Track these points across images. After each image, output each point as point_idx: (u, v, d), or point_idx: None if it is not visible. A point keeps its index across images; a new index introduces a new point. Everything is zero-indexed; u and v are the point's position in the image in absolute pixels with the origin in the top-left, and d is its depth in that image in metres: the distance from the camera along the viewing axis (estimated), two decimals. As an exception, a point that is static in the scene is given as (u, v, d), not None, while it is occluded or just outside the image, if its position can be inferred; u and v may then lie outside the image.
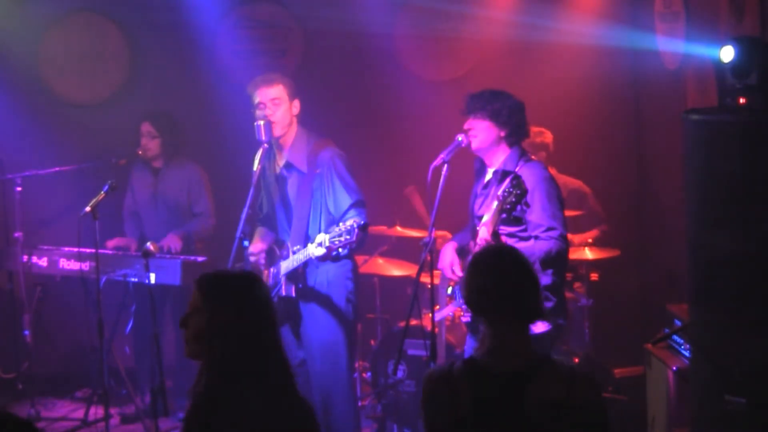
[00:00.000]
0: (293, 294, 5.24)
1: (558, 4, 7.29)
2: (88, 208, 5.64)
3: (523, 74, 7.10)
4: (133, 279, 6.27)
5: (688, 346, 4.89)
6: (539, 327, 4.73)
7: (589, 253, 6.42)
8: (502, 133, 4.85)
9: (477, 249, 4.60)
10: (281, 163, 5.38)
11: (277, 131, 5.28)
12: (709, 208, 4.03)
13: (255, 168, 5.25)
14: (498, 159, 4.88)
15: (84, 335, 6.63)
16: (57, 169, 6.77)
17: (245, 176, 5.34)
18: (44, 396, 6.89)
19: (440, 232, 6.17)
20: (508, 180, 4.50)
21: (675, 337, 5.21)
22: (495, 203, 4.50)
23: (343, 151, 5.36)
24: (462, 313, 4.90)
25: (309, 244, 5.01)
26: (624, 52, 7.18)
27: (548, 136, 6.73)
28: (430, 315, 4.99)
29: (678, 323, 5.20)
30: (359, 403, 6.05)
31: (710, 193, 4.01)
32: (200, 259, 6.41)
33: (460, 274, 4.85)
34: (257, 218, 5.59)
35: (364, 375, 6.60)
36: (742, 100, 4.04)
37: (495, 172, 4.87)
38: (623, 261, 6.64)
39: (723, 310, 3.98)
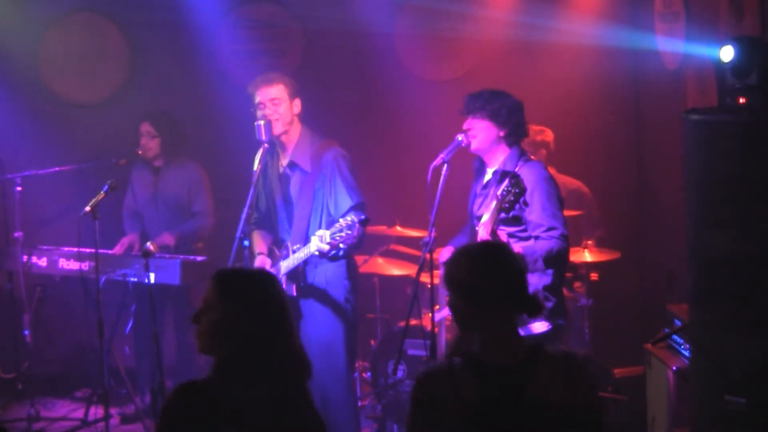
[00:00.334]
0: (294, 293, 5.24)
1: (558, 4, 7.29)
2: (88, 208, 5.64)
3: (523, 74, 7.10)
4: (132, 279, 6.27)
5: (688, 346, 4.89)
6: (539, 327, 4.74)
7: (588, 256, 6.41)
8: (501, 133, 4.85)
9: None
10: (284, 162, 5.38)
11: (277, 129, 5.28)
12: (709, 208, 4.03)
13: (255, 168, 5.25)
14: (497, 159, 4.88)
15: (84, 335, 6.63)
16: (57, 169, 6.77)
17: (245, 176, 5.34)
18: (44, 396, 6.88)
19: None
20: (507, 180, 4.50)
21: (675, 337, 5.21)
22: (494, 203, 4.50)
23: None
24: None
25: (312, 240, 5.01)
26: (624, 52, 7.18)
27: (549, 135, 6.73)
28: (430, 315, 4.99)
29: (678, 323, 5.20)
30: (359, 403, 6.05)
31: (710, 193, 4.01)
32: (200, 258, 6.41)
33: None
34: (253, 219, 5.58)
35: (364, 375, 6.60)
36: (742, 100, 4.04)
37: (494, 173, 4.87)
38: (623, 261, 6.64)
39: (723, 310, 3.98)
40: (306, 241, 5.12)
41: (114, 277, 6.29)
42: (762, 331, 3.88)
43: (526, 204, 4.49)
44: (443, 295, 5.65)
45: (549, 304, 4.76)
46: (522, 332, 4.67)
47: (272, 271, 5.33)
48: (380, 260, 6.77)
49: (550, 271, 4.73)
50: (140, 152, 6.66)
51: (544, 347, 3.09)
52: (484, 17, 7.42)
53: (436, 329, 5.23)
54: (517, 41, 7.32)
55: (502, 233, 4.59)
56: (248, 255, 5.33)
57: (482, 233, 4.52)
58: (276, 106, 5.27)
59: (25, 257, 6.63)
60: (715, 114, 4.14)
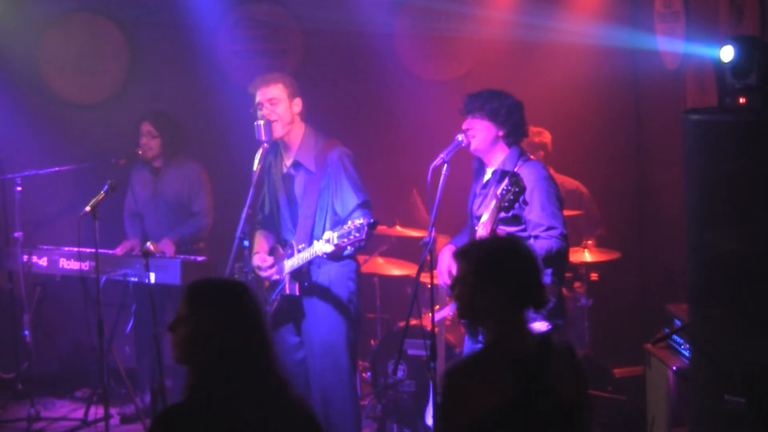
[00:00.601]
0: (297, 292, 5.23)
1: (558, 4, 7.29)
2: (88, 208, 5.64)
3: (523, 74, 7.10)
4: (133, 279, 6.28)
5: (688, 346, 4.89)
6: (539, 327, 4.72)
7: (588, 256, 6.41)
8: (501, 133, 4.85)
9: None
10: (288, 162, 5.38)
11: (277, 131, 5.27)
12: (709, 207, 4.03)
13: (255, 168, 5.24)
14: (497, 159, 4.88)
15: (84, 335, 6.63)
16: (57, 169, 6.77)
17: (245, 176, 5.34)
18: (44, 396, 6.89)
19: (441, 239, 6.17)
20: (506, 179, 4.49)
21: (675, 337, 5.21)
22: (493, 202, 4.50)
23: None
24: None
25: (316, 242, 5.00)
26: (624, 52, 7.18)
27: (546, 136, 6.73)
28: (430, 315, 4.99)
29: (678, 323, 5.20)
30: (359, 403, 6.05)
31: (710, 192, 4.01)
32: (200, 258, 6.41)
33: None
34: (256, 220, 5.59)
35: (364, 375, 6.60)
36: (742, 100, 4.04)
37: (494, 172, 4.86)
38: (623, 261, 6.64)
39: (723, 309, 3.98)
40: (311, 240, 5.11)
41: (114, 277, 6.29)
42: (762, 330, 3.88)
43: (525, 203, 4.49)
44: (443, 295, 5.65)
45: (548, 305, 4.75)
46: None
47: (270, 271, 5.33)
48: (380, 260, 6.78)
49: (549, 271, 4.72)
50: (140, 152, 6.66)
51: (551, 340, 3.17)
52: (484, 17, 7.43)
53: (436, 329, 5.23)
54: (517, 41, 7.32)
55: (502, 233, 4.59)
56: (248, 255, 5.33)
57: (481, 232, 4.52)
58: (274, 106, 5.27)
59: (25, 257, 6.63)
60: (714, 114, 4.14)
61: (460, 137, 4.85)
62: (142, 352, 6.63)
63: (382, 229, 6.64)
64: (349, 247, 4.88)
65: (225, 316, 3.06)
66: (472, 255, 3.19)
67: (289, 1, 7.56)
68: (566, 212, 5.02)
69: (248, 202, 5.17)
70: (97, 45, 7.46)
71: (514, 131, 4.87)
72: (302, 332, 5.33)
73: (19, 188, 6.63)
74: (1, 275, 7.02)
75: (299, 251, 5.16)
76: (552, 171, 5.24)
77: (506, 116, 4.82)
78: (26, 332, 6.74)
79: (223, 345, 3.03)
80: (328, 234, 4.91)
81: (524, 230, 4.75)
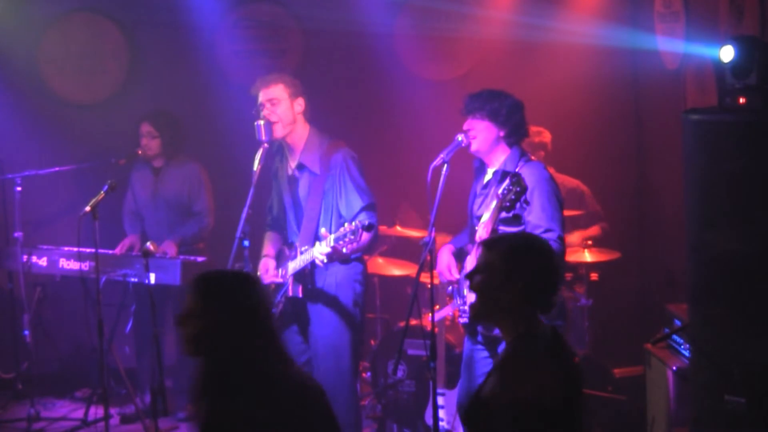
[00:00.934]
0: (300, 294, 5.23)
1: (558, 4, 7.29)
2: (88, 208, 5.64)
3: (523, 74, 7.10)
4: (133, 279, 6.28)
5: (688, 346, 4.89)
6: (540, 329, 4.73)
7: (588, 256, 6.42)
8: (501, 133, 4.84)
9: (473, 252, 4.61)
10: (293, 164, 5.38)
11: (278, 131, 5.27)
12: (709, 207, 4.03)
13: (255, 168, 5.24)
14: (498, 159, 4.87)
15: (84, 335, 6.63)
16: (57, 169, 6.77)
17: (245, 176, 5.34)
18: (44, 396, 6.89)
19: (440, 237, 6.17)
20: (508, 179, 4.49)
21: (675, 337, 5.21)
22: (494, 202, 4.49)
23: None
24: (460, 314, 4.89)
25: (316, 244, 5.01)
26: (624, 52, 7.18)
27: (546, 136, 6.73)
28: (430, 315, 4.99)
29: (678, 323, 5.20)
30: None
31: (710, 192, 4.01)
32: (200, 259, 6.41)
33: (457, 276, 4.85)
34: (266, 221, 5.59)
35: (364, 375, 6.60)
36: (742, 100, 4.04)
37: (495, 173, 4.86)
38: (623, 261, 6.64)
39: (723, 309, 3.98)
40: (314, 242, 5.11)
41: (114, 277, 6.29)
42: (762, 330, 3.88)
43: (527, 203, 4.48)
44: (443, 295, 5.65)
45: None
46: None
47: (273, 274, 5.33)
48: (380, 260, 6.78)
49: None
50: (140, 152, 6.67)
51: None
52: (484, 17, 7.43)
53: (436, 329, 5.23)
54: (517, 41, 7.32)
55: (502, 233, 4.58)
56: (248, 255, 5.33)
57: (482, 233, 4.51)
58: (274, 106, 5.27)
59: (25, 257, 6.63)
60: (714, 114, 4.14)
61: (460, 137, 4.85)
62: (142, 352, 6.63)
63: (382, 229, 6.64)
64: (344, 250, 4.88)
65: (235, 304, 3.11)
66: (497, 249, 3.21)
67: (289, 1, 7.57)
68: (567, 212, 5.02)
69: (248, 202, 5.17)
70: (97, 45, 7.47)
71: (515, 131, 4.86)
72: (307, 334, 5.32)
73: (19, 188, 6.63)
74: (1, 275, 7.02)
75: (302, 253, 5.16)
76: (552, 171, 5.25)
77: (507, 116, 4.82)
78: (26, 332, 6.74)
79: (238, 334, 3.07)
80: (323, 233, 4.92)
81: (524, 231, 4.74)
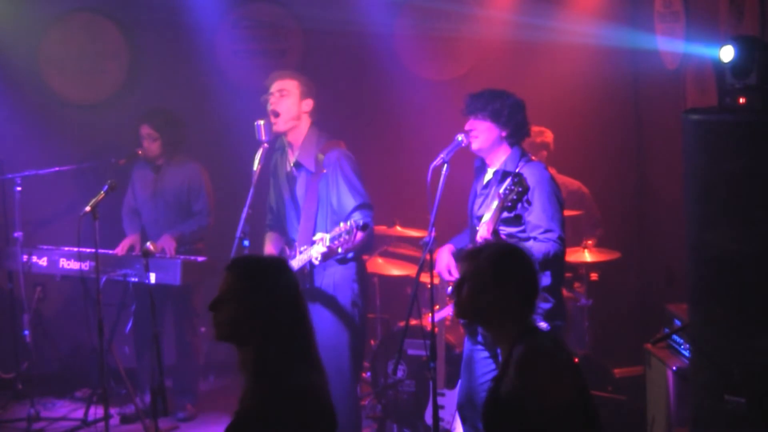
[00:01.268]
0: (298, 294, 5.23)
1: (558, 4, 7.29)
2: (88, 208, 5.64)
3: (523, 74, 7.10)
4: (133, 279, 6.27)
5: (688, 346, 4.89)
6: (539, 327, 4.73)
7: (588, 256, 6.41)
8: (503, 134, 4.84)
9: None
10: (291, 162, 5.39)
11: (280, 125, 5.28)
12: (708, 207, 4.03)
13: (255, 168, 5.25)
14: (499, 159, 4.87)
15: (84, 335, 6.63)
16: (57, 169, 6.77)
17: (245, 176, 5.34)
18: (44, 396, 6.88)
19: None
20: (509, 179, 4.48)
21: (675, 337, 5.21)
22: (496, 202, 4.49)
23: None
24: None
25: (313, 245, 5.01)
26: (624, 52, 7.18)
27: (549, 136, 6.73)
28: (430, 315, 4.99)
29: (678, 323, 5.19)
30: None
31: (710, 192, 4.01)
32: (200, 259, 6.41)
33: (457, 276, 4.84)
34: (266, 222, 5.59)
35: (364, 375, 6.60)
36: (742, 100, 4.04)
37: (495, 172, 4.86)
38: (623, 261, 6.64)
39: (723, 309, 3.98)
40: (312, 241, 5.11)
41: (114, 277, 6.29)
42: (762, 330, 3.87)
43: (529, 203, 4.47)
44: (443, 295, 5.65)
45: (548, 305, 4.75)
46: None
47: None
48: (380, 260, 6.78)
49: (548, 272, 4.72)
50: (140, 152, 6.67)
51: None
52: (484, 17, 7.43)
53: (436, 329, 5.23)
54: (517, 41, 7.32)
55: (502, 233, 4.58)
56: (248, 255, 5.33)
57: (483, 232, 4.50)
58: (282, 97, 5.29)
59: (25, 257, 6.62)
60: (714, 114, 4.13)
61: (460, 137, 4.85)
62: (142, 352, 6.62)
63: (382, 229, 6.64)
64: (340, 249, 4.88)
65: (276, 285, 3.17)
66: (484, 256, 3.26)
67: (289, 1, 7.56)
68: (568, 212, 5.02)
69: (248, 202, 5.17)
70: (97, 45, 7.46)
71: (516, 132, 4.86)
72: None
73: (19, 188, 6.62)
74: (1, 275, 7.02)
75: (301, 253, 5.16)
76: (553, 172, 5.25)
77: (509, 117, 4.81)
78: (26, 332, 6.74)
79: (278, 316, 3.12)
80: (320, 235, 4.92)
81: (524, 231, 4.74)
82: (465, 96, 4.91)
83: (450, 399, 5.61)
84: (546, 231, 4.66)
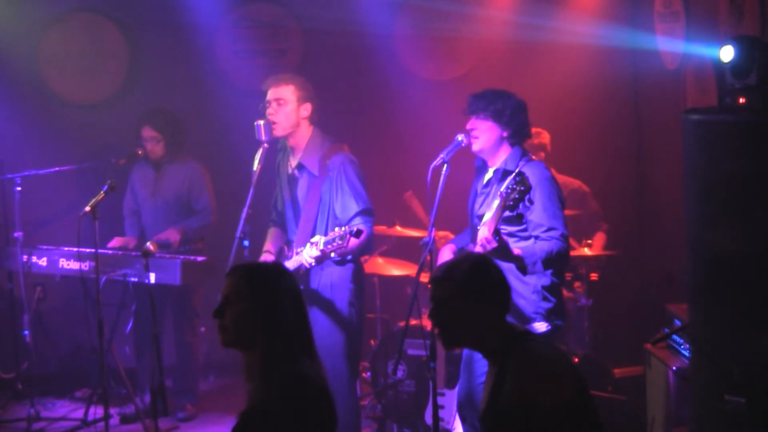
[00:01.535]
0: (295, 294, 5.23)
1: (558, 4, 7.30)
2: (87, 208, 5.63)
3: (523, 74, 7.10)
4: (133, 279, 6.27)
5: (688, 346, 4.89)
6: (539, 327, 4.74)
7: (588, 252, 6.42)
8: (505, 134, 4.84)
9: (477, 249, 4.60)
10: (294, 164, 5.38)
11: (278, 131, 5.28)
12: (708, 207, 4.03)
13: (255, 168, 5.25)
14: (499, 159, 4.87)
15: (84, 335, 6.63)
16: (57, 169, 6.76)
17: (245, 176, 5.34)
18: (44, 396, 6.89)
19: (442, 233, 6.17)
20: (511, 177, 4.48)
21: (675, 337, 5.21)
22: (497, 201, 4.48)
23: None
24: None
25: (306, 246, 5.01)
26: (624, 52, 7.18)
27: (545, 137, 6.74)
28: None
29: (678, 323, 5.19)
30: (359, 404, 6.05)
31: (710, 193, 4.01)
32: (200, 258, 6.41)
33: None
34: (271, 217, 5.59)
35: (364, 375, 6.60)
36: (741, 100, 4.04)
37: (496, 171, 4.86)
38: (623, 261, 6.64)
39: (723, 310, 3.98)
40: (309, 243, 5.11)
41: (114, 277, 6.28)
42: (762, 330, 3.87)
43: (531, 202, 4.46)
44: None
45: (548, 305, 4.75)
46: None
47: None
48: (380, 260, 6.78)
49: (548, 272, 4.72)
50: (140, 152, 6.67)
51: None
52: (484, 17, 7.43)
53: (436, 329, 5.22)
54: (517, 41, 7.33)
55: (504, 233, 4.57)
56: (248, 255, 5.33)
57: (483, 233, 4.50)
58: (280, 106, 5.28)
59: (25, 257, 6.62)
60: (714, 114, 4.13)
61: (460, 137, 4.85)
62: (142, 352, 6.63)
63: (382, 229, 6.64)
64: (333, 253, 4.89)
65: (279, 289, 3.22)
66: (456, 275, 3.31)
67: (289, 1, 7.57)
68: (568, 212, 5.02)
69: (248, 202, 5.18)
70: (97, 45, 7.47)
71: (518, 132, 4.86)
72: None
73: (19, 188, 6.62)
74: (1, 275, 7.02)
75: (297, 254, 5.17)
76: (553, 171, 5.24)
77: (511, 117, 4.81)
78: (26, 332, 6.73)
79: (280, 315, 3.18)
80: (316, 238, 4.94)
81: (525, 230, 4.74)
82: (466, 96, 4.90)
83: (450, 399, 5.61)
84: (549, 229, 4.66)
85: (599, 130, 7.45)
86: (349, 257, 5.23)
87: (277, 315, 3.18)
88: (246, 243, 5.20)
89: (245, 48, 7.57)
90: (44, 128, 7.32)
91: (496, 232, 4.44)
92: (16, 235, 6.65)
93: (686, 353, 5.00)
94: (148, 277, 5.78)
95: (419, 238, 5.48)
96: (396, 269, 6.73)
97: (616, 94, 7.47)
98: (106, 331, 5.85)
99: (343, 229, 4.79)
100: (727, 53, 4.07)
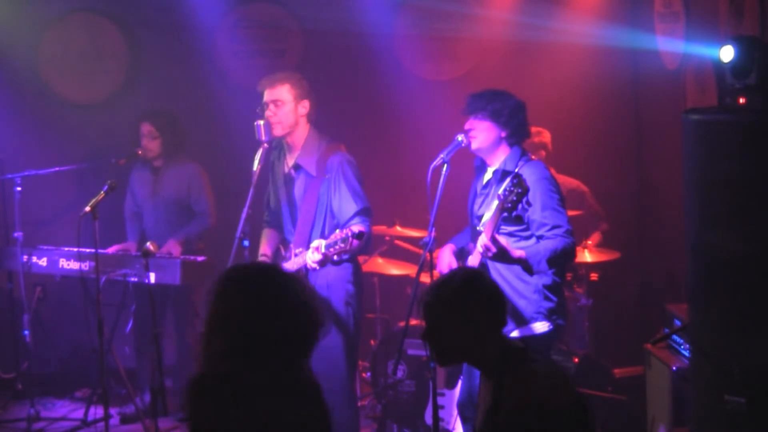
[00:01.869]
0: (292, 294, 5.23)
1: (558, 4, 7.29)
2: (87, 208, 5.63)
3: (523, 74, 7.10)
4: (133, 279, 6.27)
5: (688, 346, 4.89)
6: (540, 327, 4.74)
7: (588, 256, 6.42)
8: (503, 134, 4.83)
9: (475, 254, 4.60)
10: (291, 163, 5.38)
11: (277, 131, 5.28)
12: (709, 208, 4.03)
13: (255, 168, 5.24)
14: (498, 159, 4.87)
15: (84, 335, 6.63)
16: (57, 169, 6.76)
17: (245, 176, 5.34)
18: (44, 396, 6.88)
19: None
20: (509, 179, 4.48)
21: (675, 337, 5.21)
22: (495, 202, 4.49)
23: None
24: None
25: (309, 251, 5.01)
26: (624, 52, 7.18)
27: (546, 136, 6.73)
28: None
29: (678, 323, 5.20)
30: (359, 404, 6.05)
31: (710, 193, 4.01)
32: (200, 258, 6.41)
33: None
34: (264, 218, 5.59)
35: (364, 375, 6.60)
36: (741, 100, 4.04)
37: (495, 172, 4.85)
38: (623, 261, 6.64)
39: (723, 310, 3.98)
40: (308, 245, 5.11)
41: (114, 277, 6.28)
42: (762, 331, 3.87)
43: (529, 204, 4.46)
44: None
45: (550, 304, 4.75)
46: (523, 332, 4.72)
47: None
48: (380, 260, 6.78)
49: (550, 271, 4.72)
50: (140, 152, 6.66)
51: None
52: (484, 17, 7.42)
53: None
54: (517, 41, 7.32)
55: (502, 238, 4.57)
56: (248, 255, 5.33)
57: (483, 239, 4.49)
58: (278, 107, 5.27)
59: (25, 257, 6.62)
60: (714, 114, 4.13)
61: (460, 137, 4.84)
62: (142, 352, 6.62)
63: (382, 229, 6.64)
64: (335, 256, 4.89)
65: (238, 297, 3.06)
66: (444, 295, 3.27)
67: (289, 1, 7.56)
68: (569, 212, 5.01)
69: (248, 202, 5.17)
70: (97, 45, 7.47)
71: (516, 132, 4.85)
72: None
73: (19, 188, 6.62)
74: (1, 275, 7.02)
75: (296, 255, 5.16)
76: (553, 171, 5.24)
77: (509, 117, 4.81)
78: (26, 332, 6.73)
79: (233, 325, 3.03)
80: (316, 242, 4.93)
81: (526, 230, 4.74)
82: (465, 96, 4.90)
83: (450, 399, 5.61)
84: (553, 227, 4.66)
85: (599, 130, 7.45)
86: (346, 257, 5.22)
87: (221, 324, 3.03)
88: (246, 243, 5.20)
89: (245, 48, 7.57)
90: (44, 128, 7.32)
91: (494, 239, 4.43)
92: (16, 235, 6.65)
93: (686, 353, 5.00)
94: (148, 277, 5.78)
95: (419, 238, 5.49)
96: (396, 269, 6.73)
97: (616, 94, 7.47)
98: (106, 331, 5.85)
99: (344, 231, 4.78)
100: (727, 53, 4.08)
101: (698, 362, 4.25)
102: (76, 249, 6.32)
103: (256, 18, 7.61)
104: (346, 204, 5.20)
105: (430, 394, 5.12)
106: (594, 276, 6.55)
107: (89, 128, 7.39)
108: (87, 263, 6.09)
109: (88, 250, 5.96)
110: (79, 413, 6.52)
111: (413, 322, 4.83)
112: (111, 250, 6.54)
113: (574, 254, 4.80)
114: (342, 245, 4.76)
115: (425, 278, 4.83)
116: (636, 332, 6.74)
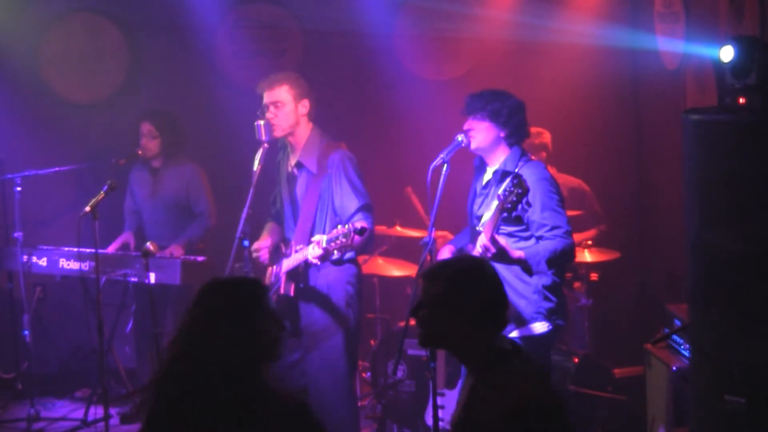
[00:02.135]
0: (291, 293, 5.24)
1: (558, 4, 7.30)
2: (87, 208, 5.64)
3: (523, 74, 7.10)
4: (133, 279, 6.28)
5: (688, 346, 4.89)
6: (539, 327, 4.74)
7: (588, 256, 6.42)
8: (502, 134, 4.83)
9: (476, 254, 4.60)
10: (293, 162, 5.39)
11: (278, 132, 5.29)
12: (709, 208, 4.03)
13: (255, 168, 5.25)
14: (498, 159, 4.87)
15: (84, 335, 6.63)
16: (57, 169, 6.76)
17: (245, 176, 5.34)
18: (44, 396, 6.89)
19: (440, 232, 6.17)
20: (508, 179, 4.48)
21: (675, 337, 5.21)
22: (495, 203, 4.49)
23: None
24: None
25: (309, 246, 5.01)
26: (624, 52, 7.18)
27: (546, 136, 6.73)
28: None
29: (678, 323, 5.20)
30: (359, 404, 6.05)
31: (710, 193, 4.01)
32: (200, 259, 6.41)
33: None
34: (269, 213, 5.61)
35: (364, 375, 6.60)
36: (741, 100, 4.04)
37: (495, 172, 4.85)
38: (623, 261, 6.64)
39: (723, 310, 3.98)
40: (309, 242, 5.12)
41: (114, 277, 6.29)
42: (762, 331, 3.87)
43: (528, 204, 4.46)
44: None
45: (550, 304, 4.75)
46: (523, 333, 4.71)
47: (265, 257, 5.36)
48: (380, 260, 6.78)
49: (550, 272, 4.72)
50: (140, 152, 6.67)
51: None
52: (484, 17, 7.42)
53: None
54: (517, 41, 7.33)
55: (501, 238, 4.57)
56: (248, 255, 5.33)
57: (482, 239, 4.49)
58: (278, 109, 5.27)
59: (25, 257, 6.62)
60: (714, 114, 4.13)
61: (460, 137, 4.85)
62: (142, 352, 6.63)
63: (382, 229, 6.64)
64: (336, 251, 4.88)
65: (202, 311, 3.05)
66: (440, 279, 3.17)
67: (289, 1, 7.56)
68: (569, 212, 5.02)
69: (248, 202, 5.18)
70: (97, 45, 7.47)
71: (515, 132, 4.85)
72: (300, 333, 5.33)
73: (19, 188, 6.62)
74: (1, 275, 7.02)
75: (296, 252, 5.17)
76: (553, 171, 5.26)
77: (508, 117, 4.81)
78: (26, 332, 6.73)
79: (197, 340, 3.01)
80: (317, 237, 4.93)
81: (526, 230, 4.74)
82: (465, 96, 4.90)
83: (450, 399, 5.60)
84: (553, 228, 4.66)
85: (599, 130, 7.45)
86: (347, 256, 5.22)
87: (185, 337, 3.01)
88: (246, 243, 5.20)
89: (245, 48, 7.57)
90: (44, 128, 7.32)
91: (493, 239, 4.43)
92: (16, 235, 6.65)
93: (686, 353, 5.00)
94: (148, 277, 5.78)
95: (419, 238, 5.49)
96: (396, 269, 6.73)
97: (616, 94, 7.47)
98: (106, 331, 5.85)
99: (346, 227, 4.77)
100: (727, 53, 4.07)
101: (698, 362, 4.25)
102: (76, 249, 6.33)
103: (255, 18, 7.61)
104: (347, 200, 5.21)
105: (430, 394, 5.11)
106: (594, 276, 6.56)
107: (89, 128, 7.39)
108: (87, 263, 6.09)
109: (88, 250, 5.96)
110: (79, 413, 6.52)
111: (413, 322, 4.82)
112: (111, 247, 6.54)
113: (573, 255, 4.80)
114: (343, 240, 4.75)
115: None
116: (636, 332, 6.74)
